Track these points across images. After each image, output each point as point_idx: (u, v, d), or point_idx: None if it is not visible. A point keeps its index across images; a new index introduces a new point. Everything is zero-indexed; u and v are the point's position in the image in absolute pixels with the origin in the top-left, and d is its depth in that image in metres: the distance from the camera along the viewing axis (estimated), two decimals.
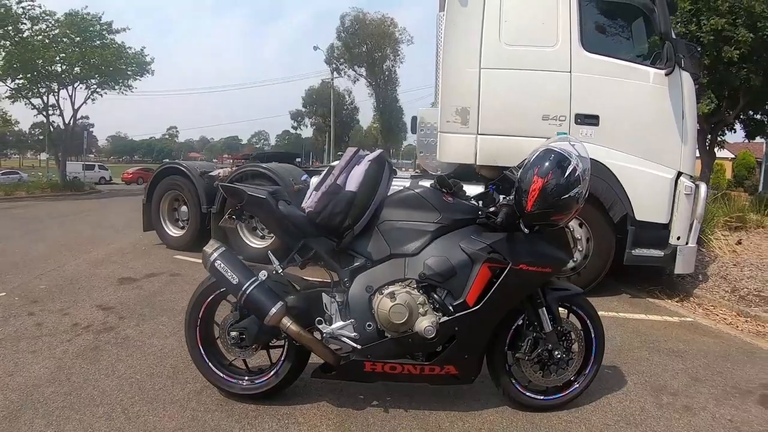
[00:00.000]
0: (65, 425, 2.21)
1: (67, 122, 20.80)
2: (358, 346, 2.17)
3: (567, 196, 2.04)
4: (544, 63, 4.28)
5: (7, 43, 17.79)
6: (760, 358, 3.23)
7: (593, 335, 2.43)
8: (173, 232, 6.45)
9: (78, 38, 18.96)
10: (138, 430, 2.18)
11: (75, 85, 20.34)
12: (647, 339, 3.49)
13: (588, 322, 2.43)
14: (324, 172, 2.30)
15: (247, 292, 2.17)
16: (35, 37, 18.29)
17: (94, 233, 8.19)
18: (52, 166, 25.54)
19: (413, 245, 2.20)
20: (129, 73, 21.72)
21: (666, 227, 4.25)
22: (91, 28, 19.31)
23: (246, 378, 2.42)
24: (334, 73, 37.42)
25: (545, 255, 2.22)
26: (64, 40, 18.82)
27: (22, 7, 17.55)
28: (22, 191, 17.52)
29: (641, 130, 4.25)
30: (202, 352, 2.44)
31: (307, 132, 52.67)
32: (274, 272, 2.30)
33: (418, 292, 2.16)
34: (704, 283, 4.68)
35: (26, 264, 5.53)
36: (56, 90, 20.13)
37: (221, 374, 2.42)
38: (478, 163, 4.50)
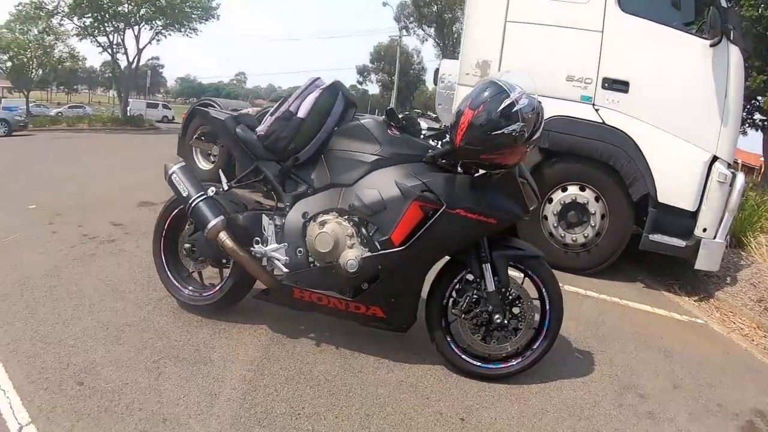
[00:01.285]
0: (39, 308, 2.64)
1: (131, 61, 22.40)
2: (287, 271, 2.33)
3: (498, 132, 1.91)
4: (574, 20, 4.07)
5: None
6: (764, 379, 2.92)
7: (548, 307, 2.30)
8: (203, 165, 6.99)
9: None
10: (94, 320, 2.56)
11: (140, 26, 21.74)
12: (641, 332, 3.27)
13: (543, 290, 2.30)
14: (282, 99, 2.46)
15: (193, 204, 2.42)
16: None
17: (135, 163, 8.99)
18: (118, 103, 27.64)
19: (350, 175, 2.27)
20: (194, 16, 22.87)
21: (693, 216, 4.01)
22: None
23: (191, 288, 2.71)
24: (403, 31, 37.08)
25: (491, 204, 2.12)
26: None
27: None
28: (84, 123, 19.35)
29: (676, 104, 3.96)
30: (163, 260, 2.76)
31: (373, 88, 52.73)
32: (222, 190, 2.52)
33: (349, 223, 2.22)
34: (730, 287, 4.36)
35: (63, 184, 6.24)
36: (122, 29, 21.62)
37: (176, 283, 2.73)
38: None
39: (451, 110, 4.70)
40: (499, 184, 2.14)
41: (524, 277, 2.33)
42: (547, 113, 4.07)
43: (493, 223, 2.15)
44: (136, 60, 22.84)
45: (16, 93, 29.45)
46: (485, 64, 4.38)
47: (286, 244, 2.34)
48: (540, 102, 2.03)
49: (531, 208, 2.27)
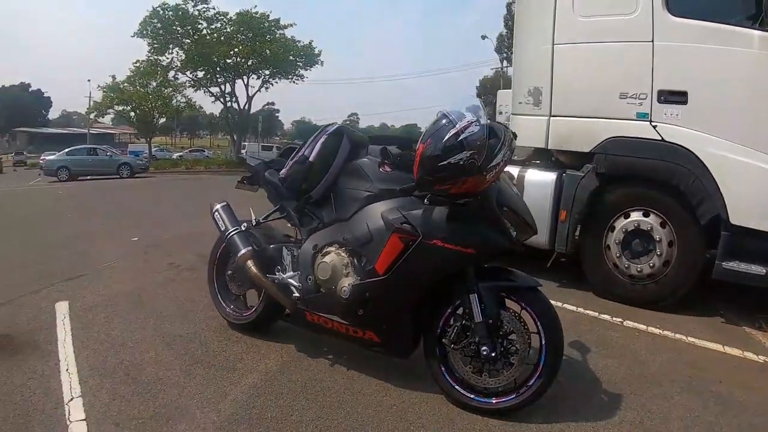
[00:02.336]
0: (115, 319, 3.35)
1: (242, 108, 25.49)
2: (299, 296, 2.68)
3: (445, 162, 2.02)
4: (621, 33, 3.99)
5: (187, 41, 22.68)
6: None
7: (544, 341, 2.23)
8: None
9: (250, 34, 23.07)
10: (154, 330, 3.16)
11: (249, 76, 24.76)
12: (696, 375, 2.90)
13: (539, 323, 2.24)
14: (300, 145, 2.90)
15: (228, 236, 2.94)
16: (213, 35, 22.90)
17: (235, 201, 10.14)
18: None
19: (348, 211, 2.57)
20: (299, 64, 25.44)
21: None
22: (262, 25, 23.28)
23: (233, 307, 3.19)
24: (505, 62, 37.39)
25: (468, 233, 2.19)
26: (238, 36, 23.10)
27: (198, 10, 22.30)
28: (201, 166, 22.30)
29: (741, 110, 3.64)
30: (214, 285, 3.30)
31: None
32: (252, 225, 3.03)
33: (346, 254, 2.48)
34: None
35: (166, 219, 7.45)
36: (232, 79, 24.79)
37: (223, 304, 3.24)
38: (549, 147, 4.46)
39: None
40: (475, 214, 2.20)
41: (521, 310, 2.31)
42: (602, 135, 4.18)
43: (471, 253, 2.20)
44: (247, 106, 25.92)
45: (141, 139, 34.84)
46: (537, 91, 4.45)
47: (299, 272, 2.72)
48: (504, 128, 2.14)
49: (522, 238, 2.32)
